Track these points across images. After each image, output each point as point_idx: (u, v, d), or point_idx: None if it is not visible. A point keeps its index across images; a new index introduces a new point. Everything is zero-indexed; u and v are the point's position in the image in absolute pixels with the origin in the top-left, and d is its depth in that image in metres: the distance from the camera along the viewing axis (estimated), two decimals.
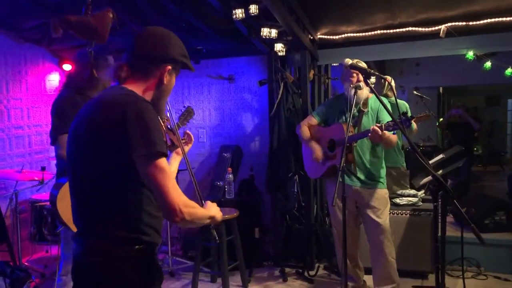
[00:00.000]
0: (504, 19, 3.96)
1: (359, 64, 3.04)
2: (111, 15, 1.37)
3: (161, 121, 1.72)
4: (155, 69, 1.62)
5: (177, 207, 1.45)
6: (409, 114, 2.97)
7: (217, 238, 1.87)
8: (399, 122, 2.64)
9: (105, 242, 1.51)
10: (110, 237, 1.51)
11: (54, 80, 5.25)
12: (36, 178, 4.07)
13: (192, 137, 2.25)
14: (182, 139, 2.18)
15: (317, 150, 3.63)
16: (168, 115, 2.00)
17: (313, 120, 3.76)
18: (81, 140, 1.55)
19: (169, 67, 1.64)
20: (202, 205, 1.79)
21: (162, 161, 1.46)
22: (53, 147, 2.86)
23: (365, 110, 3.46)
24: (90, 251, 1.53)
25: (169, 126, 2.09)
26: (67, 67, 5.12)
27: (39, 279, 4.06)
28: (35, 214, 4.21)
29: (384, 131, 3.08)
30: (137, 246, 1.53)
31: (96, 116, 1.52)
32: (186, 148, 2.23)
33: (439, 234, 2.36)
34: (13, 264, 3.78)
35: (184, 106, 2.79)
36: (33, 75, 4.97)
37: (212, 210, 1.72)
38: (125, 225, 1.52)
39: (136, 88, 1.61)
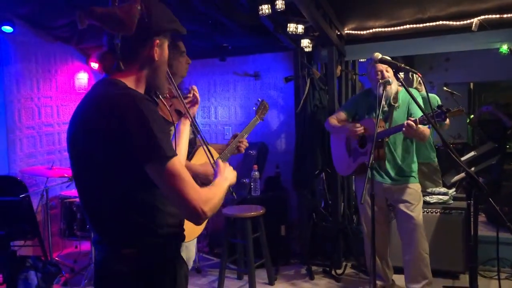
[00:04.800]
0: None
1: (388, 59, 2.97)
2: (139, 7, 1.35)
3: (163, 101, 1.61)
4: (142, 48, 1.45)
5: (199, 210, 1.35)
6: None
7: (234, 194, 1.82)
8: (434, 115, 2.58)
9: (131, 250, 1.43)
10: (135, 245, 1.43)
11: (82, 78, 5.34)
12: (66, 175, 4.15)
13: (198, 95, 2.08)
14: (185, 97, 2.06)
15: (353, 126, 3.48)
16: (171, 85, 1.79)
17: (342, 115, 3.69)
18: (82, 150, 1.42)
19: (157, 40, 1.46)
20: (214, 168, 1.69)
21: (173, 164, 1.34)
22: None
23: (396, 105, 3.39)
24: (116, 259, 1.44)
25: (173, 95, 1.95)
26: (95, 65, 5.19)
27: (68, 274, 4.13)
28: (64, 210, 4.30)
29: (419, 125, 3.01)
30: (163, 249, 1.48)
31: (93, 122, 1.37)
32: (194, 109, 2.12)
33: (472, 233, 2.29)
34: (45, 259, 3.87)
35: (258, 100, 2.87)
36: (62, 73, 5.07)
37: (227, 176, 1.61)
38: (149, 231, 1.44)
39: (129, 77, 1.45)
